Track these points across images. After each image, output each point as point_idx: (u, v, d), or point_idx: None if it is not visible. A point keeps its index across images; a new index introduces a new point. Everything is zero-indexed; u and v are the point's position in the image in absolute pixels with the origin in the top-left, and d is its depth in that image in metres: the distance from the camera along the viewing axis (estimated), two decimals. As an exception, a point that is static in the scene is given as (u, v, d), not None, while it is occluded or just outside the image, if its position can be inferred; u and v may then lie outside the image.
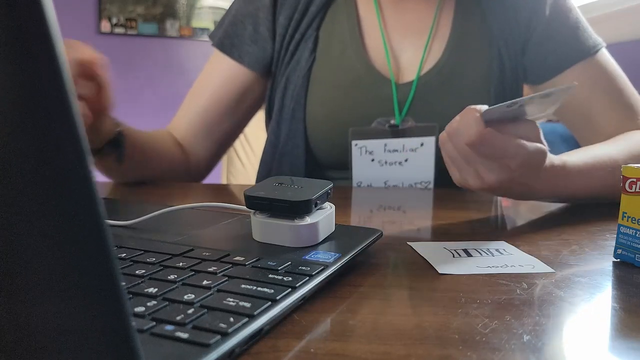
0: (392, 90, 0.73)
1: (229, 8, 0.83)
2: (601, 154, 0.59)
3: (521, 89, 0.79)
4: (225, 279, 0.30)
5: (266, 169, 0.82)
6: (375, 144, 0.73)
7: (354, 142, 0.73)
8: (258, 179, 0.85)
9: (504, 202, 0.62)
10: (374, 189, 0.72)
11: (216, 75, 0.80)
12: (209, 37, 0.83)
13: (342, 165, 0.76)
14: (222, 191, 0.73)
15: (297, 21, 0.77)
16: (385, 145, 0.73)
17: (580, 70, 0.72)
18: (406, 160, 0.72)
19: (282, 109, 0.78)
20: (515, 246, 0.43)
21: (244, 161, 1.32)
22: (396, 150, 0.72)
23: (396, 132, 0.72)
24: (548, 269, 0.36)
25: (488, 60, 0.74)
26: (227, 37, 0.80)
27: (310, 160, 0.77)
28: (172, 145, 0.77)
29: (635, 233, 0.37)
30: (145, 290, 0.28)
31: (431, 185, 0.74)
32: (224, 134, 0.82)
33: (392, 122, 0.73)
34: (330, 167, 0.78)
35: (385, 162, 0.73)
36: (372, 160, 0.73)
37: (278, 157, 0.78)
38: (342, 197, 0.65)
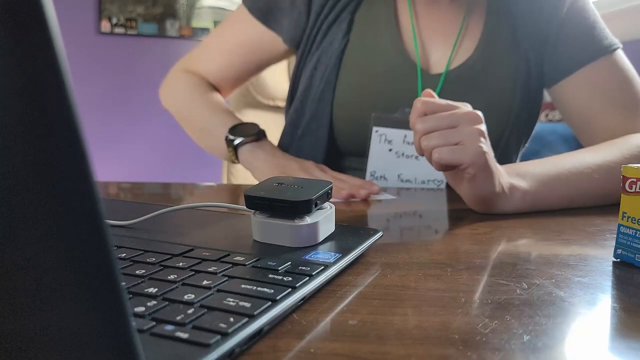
0: (420, 80, 0.74)
1: None
2: (574, 161, 0.60)
3: (542, 93, 0.79)
4: (225, 279, 0.30)
5: (284, 150, 0.82)
6: (395, 134, 0.73)
7: (374, 129, 0.73)
8: None
9: None
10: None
11: (245, 35, 0.84)
12: (243, 1, 0.85)
13: (361, 153, 0.76)
14: (222, 191, 0.73)
15: (333, 1, 0.78)
16: (405, 136, 0.73)
17: (589, 72, 0.72)
18: (423, 155, 0.73)
19: (309, 89, 0.78)
20: (516, 246, 0.43)
21: (244, 161, 1.31)
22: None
23: None
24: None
25: (516, 61, 0.75)
26: (265, 6, 0.82)
27: (331, 144, 0.77)
28: (217, 95, 0.87)
29: (635, 233, 0.37)
30: (145, 290, 0.28)
31: (443, 185, 0.74)
32: (248, 77, 0.90)
33: None
34: (349, 153, 0.79)
35: (402, 154, 0.73)
36: (390, 150, 0.73)
37: (299, 137, 0.79)
38: (342, 197, 0.65)
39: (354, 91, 0.76)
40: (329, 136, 0.77)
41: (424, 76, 0.75)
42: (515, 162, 0.81)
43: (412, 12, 0.78)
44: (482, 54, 0.75)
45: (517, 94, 0.75)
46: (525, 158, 0.76)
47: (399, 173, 0.74)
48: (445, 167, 0.51)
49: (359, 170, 0.77)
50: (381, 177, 0.74)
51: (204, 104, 0.83)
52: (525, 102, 0.76)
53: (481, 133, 0.51)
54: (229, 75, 0.87)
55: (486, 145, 0.51)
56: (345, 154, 0.79)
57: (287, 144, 0.82)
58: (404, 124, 0.72)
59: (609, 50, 0.72)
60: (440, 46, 0.77)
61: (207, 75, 0.88)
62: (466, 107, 0.53)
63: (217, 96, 0.86)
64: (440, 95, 0.72)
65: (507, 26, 0.76)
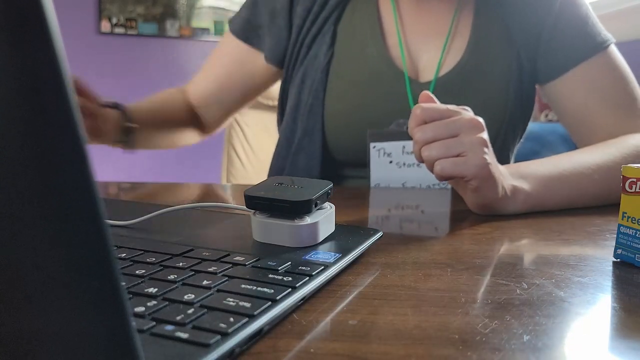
0: (409, 89, 0.74)
1: None
2: (574, 161, 0.60)
3: (535, 89, 0.78)
4: (225, 279, 0.30)
5: (279, 166, 0.81)
6: (393, 146, 0.72)
7: (372, 145, 0.73)
8: (270, 175, 0.85)
9: None
10: (374, 189, 0.72)
11: (229, 55, 0.85)
12: (229, 21, 0.86)
13: (358, 163, 0.76)
14: (222, 191, 0.73)
15: (315, 14, 0.77)
16: (404, 147, 0.72)
17: (584, 69, 0.71)
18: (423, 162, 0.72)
19: (299, 104, 0.78)
20: (516, 246, 0.43)
21: (244, 161, 1.32)
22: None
23: None
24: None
25: (508, 60, 0.74)
26: (245, 25, 0.83)
27: (327, 157, 0.77)
28: (181, 109, 0.84)
29: (635, 233, 0.37)
30: (145, 290, 0.28)
31: (449, 186, 0.73)
32: (232, 103, 0.88)
33: None
34: (346, 164, 0.78)
35: (404, 164, 0.73)
36: (390, 162, 0.73)
37: (293, 153, 0.78)
38: (342, 197, 0.65)
39: (344, 103, 0.75)
40: (323, 149, 0.76)
41: (413, 84, 0.74)
42: (511, 157, 0.80)
43: (397, 18, 0.76)
44: (473, 55, 0.74)
45: (510, 93, 0.74)
46: (525, 158, 0.76)
47: (403, 182, 0.73)
48: (447, 179, 0.50)
49: (359, 179, 0.77)
50: (386, 187, 0.74)
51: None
52: (518, 100, 0.75)
53: (483, 142, 0.49)
54: (212, 97, 0.86)
55: (489, 155, 0.50)
56: (343, 164, 0.78)
57: (283, 159, 0.81)
58: (401, 136, 0.72)
59: (604, 46, 0.71)
60: (430, 49, 0.76)
61: (192, 95, 0.87)
62: (467, 113, 0.52)
63: (166, 96, 0.84)
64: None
65: (497, 21, 0.75)
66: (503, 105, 0.74)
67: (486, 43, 0.74)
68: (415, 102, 0.73)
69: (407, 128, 0.71)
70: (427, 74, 0.75)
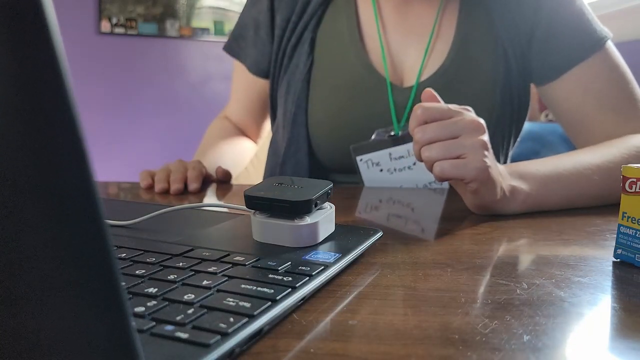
0: (391, 95, 0.73)
1: (241, 12, 0.88)
2: (574, 161, 0.59)
3: (529, 88, 0.77)
4: (225, 279, 0.30)
5: (271, 174, 0.83)
6: (379, 155, 0.72)
7: (358, 158, 0.73)
8: None
9: None
10: (374, 189, 0.72)
11: (239, 79, 0.91)
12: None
13: (346, 169, 0.75)
14: (222, 191, 0.72)
15: (294, 23, 0.77)
16: (390, 154, 0.72)
17: (581, 70, 0.70)
18: (414, 164, 0.71)
19: (285, 113, 0.78)
20: (516, 246, 0.43)
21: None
22: (402, 157, 0.71)
23: (397, 140, 0.71)
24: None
25: (493, 61, 0.73)
26: (234, 40, 0.87)
27: (314, 164, 0.77)
28: (246, 147, 0.94)
29: (635, 233, 0.37)
30: (145, 290, 0.28)
31: (446, 184, 0.72)
32: (266, 113, 0.94)
33: (392, 132, 0.72)
34: (334, 170, 0.78)
35: (395, 170, 0.73)
36: (381, 170, 0.73)
37: (282, 161, 0.78)
38: (342, 197, 0.65)
39: (326, 110, 0.75)
40: (309, 157, 0.76)
41: (394, 90, 0.73)
42: (502, 159, 0.79)
43: (379, 21, 0.76)
44: (457, 57, 0.73)
45: (496, 95, 0.73)
46: (525, 158, 0.75)
47: (399, 185, 0.73)
48: (446, 180, 0.50)
49: (350, 184, 0.77)
50: (384, 187, 0.74)
51: (206, 141, 0.92)
52: (507, 102, 0.74)
53: (484, 145, 0.49)
54: (245, 115, 0.93)
55: (489, 159, 0.49)
56: (332, 171, 0.79)
57: (272, 168, 0.83)
58: (384, 144, 0.72)
59: (600, 44, 0.70)
60: (412, 52, 0.75)
61: (231, 118, 0.96)
62: (469, 113, 0.51)
63: (226, 140, 0.91)
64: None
65: (482, 18, 0.74)
66: (489, 107, 0.73)
67: (471, 43, 0.73)
68: (397, 107, 0.73)
69: (388, 136, 0.72)
70: (410, 78, 0.74)
